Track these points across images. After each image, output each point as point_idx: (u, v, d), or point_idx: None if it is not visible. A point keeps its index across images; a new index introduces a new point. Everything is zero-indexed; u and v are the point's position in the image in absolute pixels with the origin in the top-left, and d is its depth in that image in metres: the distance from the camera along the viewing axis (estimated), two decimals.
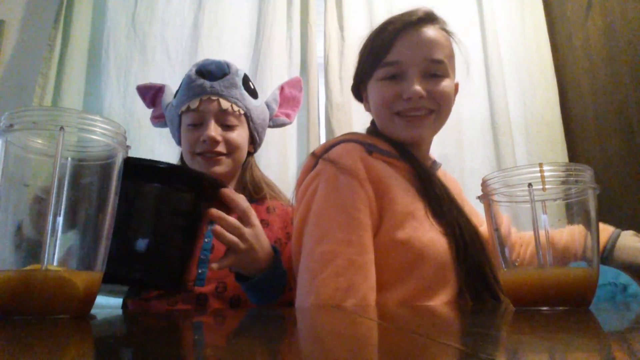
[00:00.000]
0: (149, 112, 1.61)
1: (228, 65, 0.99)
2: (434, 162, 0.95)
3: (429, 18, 0.85)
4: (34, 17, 1.74)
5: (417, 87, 0.80)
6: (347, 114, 1.64)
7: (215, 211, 0.70)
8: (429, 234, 0.74)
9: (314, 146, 1.60)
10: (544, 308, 0.53)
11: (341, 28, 1.72)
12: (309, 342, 0.34)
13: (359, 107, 1.75)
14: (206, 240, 0.94)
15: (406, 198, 0.77)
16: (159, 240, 0.63)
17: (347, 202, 0.73)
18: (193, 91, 0.96)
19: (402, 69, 0.82)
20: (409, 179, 0.81)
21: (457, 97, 0.92)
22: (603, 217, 0.58)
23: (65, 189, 0.47)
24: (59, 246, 0.45)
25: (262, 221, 0.92)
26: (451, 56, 0.87)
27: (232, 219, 0.71)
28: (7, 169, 0.47)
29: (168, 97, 1.08)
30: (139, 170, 0.60)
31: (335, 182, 0.75)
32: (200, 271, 0.91)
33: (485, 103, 1.71)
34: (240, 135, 0.99)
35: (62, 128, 0.45)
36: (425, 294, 0.73)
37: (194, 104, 0.95)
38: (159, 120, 1.12)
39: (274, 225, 0.99)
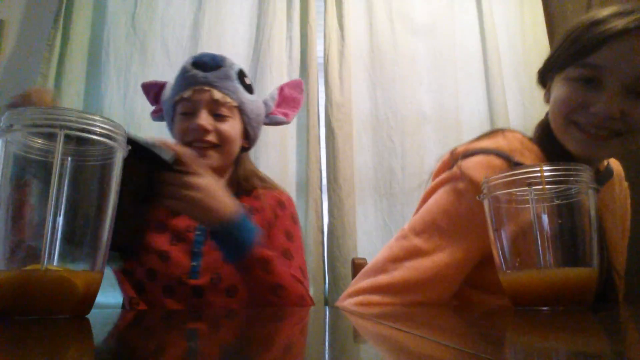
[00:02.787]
0: (149, 112, 1.62)
1: (223, 59, 1.00)
2: (602, 171, 0.83)
3: None
4: (34, 17, 1.74)
5: (613, 106, 0.68)
6: (347, 114, 1.64)
7: (163, 176, 0.71)
8: None
9: (313, 146, 1.60)
10: (544, 308, 0.53)
11: (341, 28, 1.72)
12: (306, 341, 0.34)
13: (359, 107, 1.76)
14: (198, 232, 0.94)
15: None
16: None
17: (457, 214, 0.72)
18: (186, 81, 0.98)
19: (601, 76, 0.70)
20: None
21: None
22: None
23: (65, 188, 0.47)
24: (59, 246, 0.45)
25: (251, 208, 0.97)
26: None
27: (176, 176, 0.73)
28: (7, 169, 0.47)
29: (167, 91, 1.09)
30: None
31: (455, 194, 0.73)
32: (194, 264, 0.92)
33: (484, 103, 1.71)
34: (232, 127, 0.99)
35: (62, 128, 0.45)
36: None
37: (187, 93, 0.97)
38: (157, 114, 1.13)
39: (265, 210, 1.00)
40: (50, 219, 0.44)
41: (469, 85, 1.73)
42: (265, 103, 1.10)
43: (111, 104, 1.61)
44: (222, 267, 0.90)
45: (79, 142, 0.50)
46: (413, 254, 0.72)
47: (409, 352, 0.27)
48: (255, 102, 1.05)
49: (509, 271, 0.59)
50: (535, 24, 1.79)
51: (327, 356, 0.26)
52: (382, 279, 0.71)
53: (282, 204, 1.03)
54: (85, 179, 0.51)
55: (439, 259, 0.71)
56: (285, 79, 1.66)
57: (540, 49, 1.75)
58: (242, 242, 0.80)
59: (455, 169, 0.75)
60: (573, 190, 0.59)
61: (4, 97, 1.66)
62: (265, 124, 1.11)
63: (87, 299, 0.46)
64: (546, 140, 0.79)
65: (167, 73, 1.65)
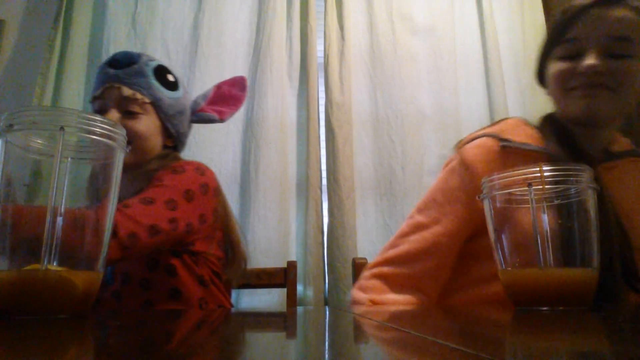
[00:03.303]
0: None
1: (139, 56, 1.00)
2: (631, 150, 0.88)
3: None
4: (34, 17, 1.74)
5: (593, 61, 0.78)
6: (347, 114, 1.64)
7: None
8: None
9: (313, 146, 1.60)
10: (544, 308, 0.53)
11: (341, 28, 1.72)
12: (305, 341, 0.34)
13: (359, 107, 1.76)
14: None
15: None
16: None
17: (449, 189, 0.83)
18: (99, 79, 0.98)
19: (582, 46, 0.80)
20: None
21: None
22: None
23: (65, 189, 0.47)
24: (59, 246, 0.45)
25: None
26: None
27: None
28: (7, 169, 0.47)
29: None
30: None
31: (449, 172, 0.85)
32: (108, 269, 0.93)
33: (485, 103, 1.71)
34: (144, 124, 0.97)
35: (62, 128, 0.45)
36: None
37: (98, 91, 0.97)
38: None
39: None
40: (50, 219, 0.44)
41: (469, 85, 1.73)
42: (195, 100, 1.10)
43: None
44: (131, 265, 0.92)
45: (79, 143, 0.50)
46: (416, 228, 0.83)
47: (409, 352, 0.27)
48: (177, 99, 1.03)
49: (509, 270, 0.59)
50: (535, 24, 1.79)
51: (327, 356, 0.26)
52: (392, 252, 0.84)
53: (174, 168, 0.98)
54: (85, 179, 0.51)
55: (436, 230, 0.82)
56: (285, 79, 1.66)
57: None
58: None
59: (456, 153, 0.87)
60: (573, 190, 0.59)
61: (4, 97, 1.67)
62: (193, 121, 1.10)
63: (87, 299, 0.46)
64: (546, 122, 0.88)
65: None
